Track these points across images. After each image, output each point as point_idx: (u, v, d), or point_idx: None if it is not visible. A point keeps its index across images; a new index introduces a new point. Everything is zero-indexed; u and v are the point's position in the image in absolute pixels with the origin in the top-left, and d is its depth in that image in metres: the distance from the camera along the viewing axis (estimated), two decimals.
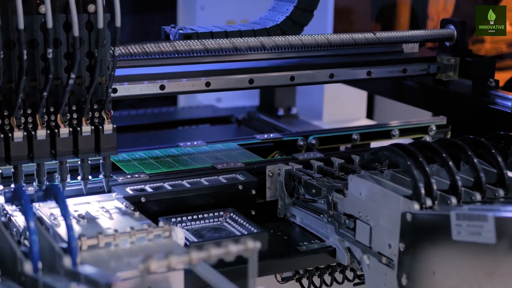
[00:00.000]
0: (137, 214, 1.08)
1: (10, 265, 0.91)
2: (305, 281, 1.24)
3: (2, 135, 1.06)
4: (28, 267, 0.88)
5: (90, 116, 1.11)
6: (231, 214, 1.20)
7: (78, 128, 1.10)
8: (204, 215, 1.19)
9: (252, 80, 1.37)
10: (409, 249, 1.00)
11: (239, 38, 1.35)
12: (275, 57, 1.42)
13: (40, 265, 0.88)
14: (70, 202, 1.11)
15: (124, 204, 1.12)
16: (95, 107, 1.11)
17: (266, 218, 1.28)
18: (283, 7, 1.50)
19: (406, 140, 1.66)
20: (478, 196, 1.04)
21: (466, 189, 1.04)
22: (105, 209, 1.09)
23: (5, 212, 1.09)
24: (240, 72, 1.37)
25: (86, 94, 1.10)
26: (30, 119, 1.08)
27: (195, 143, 1.48)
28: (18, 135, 1.06)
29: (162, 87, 1.30)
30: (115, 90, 1.24)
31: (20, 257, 0.89)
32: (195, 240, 1.10)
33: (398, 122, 1.70)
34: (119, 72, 1.20)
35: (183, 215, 1.18)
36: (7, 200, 0.99)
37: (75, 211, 1.07)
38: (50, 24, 1.04)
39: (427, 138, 1.68)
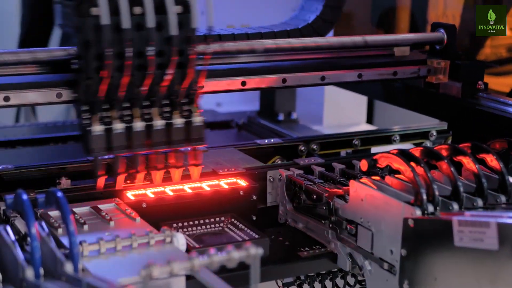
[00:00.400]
0: (138, 219, 1.08)
1: (12, 271, 0.91)
2: (306, 287, 1.24)
3: (104, 127, 1.12)
4: (29, 273, 0.88)
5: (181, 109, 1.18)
6: (232, 220, 1.20)
7: (171, 120, 1.16)
8: (205, 221, 1.19)
9: (245, 82, 1.37)
10: (411, 255, 1.00)
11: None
12: (267, 60, 1.42)
13: (41, 271, 0.88)
14: (72, 208, 1.10)
15: (126, 209, 1.12)
16: (185, 101, 1.17)
17: (267, 224, 1.28)
18: (312, 6, 1.54)
19: (407, 146, 1.66)
20: (480, 202, 1.04)
21: (468, 195, 1.04)
22: (106, 215, 1.08)
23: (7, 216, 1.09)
24: (232, 74, 1.36)
25: (178, 89, 1.16)
26: (127, 112, 1.14)
27: None
28: (119, 126, 1.12)
29: None
30: None
31: (21, 263, 0.89)
32: (197, 245, 1.10)
33: (399, 127, 1.69)
34: None
35: (184, 220, 1.18)
36: (9, 206, 0.99)
37: (77, 216, 1.07)
38: (150, 24, 1.11)
39: (428, 144, 1.68)
